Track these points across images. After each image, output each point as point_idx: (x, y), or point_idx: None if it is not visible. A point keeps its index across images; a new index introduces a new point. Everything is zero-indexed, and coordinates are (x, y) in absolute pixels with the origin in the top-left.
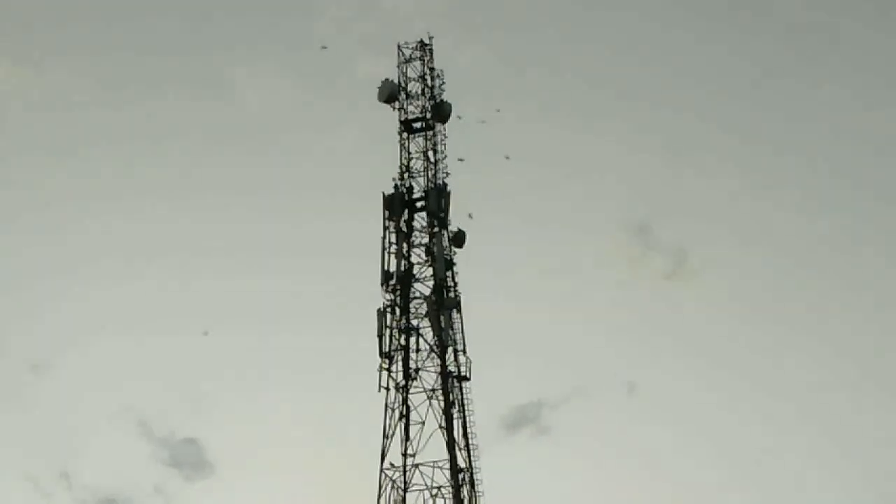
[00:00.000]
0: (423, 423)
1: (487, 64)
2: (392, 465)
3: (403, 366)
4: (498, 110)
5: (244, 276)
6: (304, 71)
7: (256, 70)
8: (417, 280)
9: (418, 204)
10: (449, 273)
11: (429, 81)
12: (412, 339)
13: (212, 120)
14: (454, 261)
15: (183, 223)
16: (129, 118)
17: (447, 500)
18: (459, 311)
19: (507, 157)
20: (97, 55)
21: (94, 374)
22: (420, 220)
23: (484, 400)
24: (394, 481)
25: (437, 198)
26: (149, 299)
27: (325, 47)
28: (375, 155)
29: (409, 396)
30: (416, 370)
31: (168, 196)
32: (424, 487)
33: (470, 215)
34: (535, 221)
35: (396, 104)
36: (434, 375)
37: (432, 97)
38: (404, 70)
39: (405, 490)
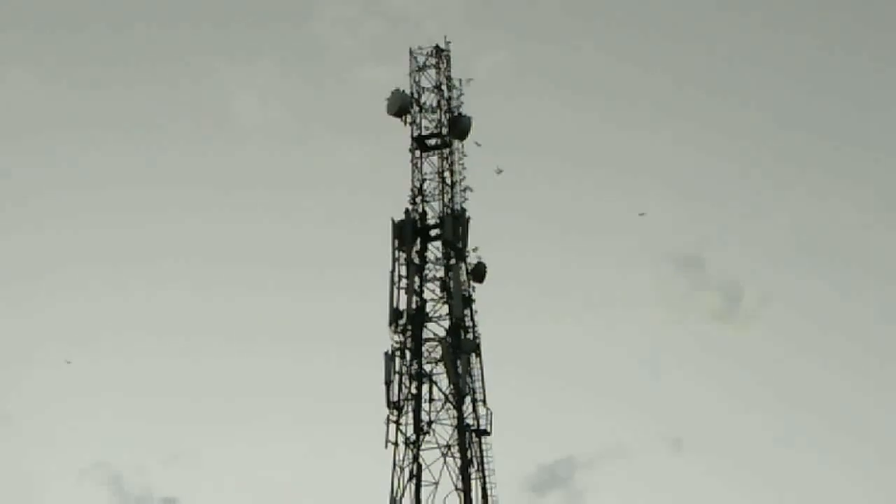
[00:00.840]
0: (437, 483)
1: (512, 71)
2: None
3: (414, 418)
4: (500, 171)
5: (234, 310)
6: (302, 77)
7: (249, 77)
8: (431, 319)
9: (432, 232)
10: (467, 311)
11: (445, 92)
12: (425, 388)
13: (202, 131)
14: (473, 297)
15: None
16: (117, 129)
17: None
18: (479, 355)
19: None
20: (83, 61)
21: (62, 425)
22: (434, 250)
23: (507, 458)
24: None
25: (454, 225)
26: (125, 344)
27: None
28: (384, 175)
29: (421, 453)
30: (429, 423)
31: (147, 217)
32: None
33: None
34: (566, 252)
35: (408, 118)
36: (450, 429)
37: (449, 110)
38: (417, 79)
39: None
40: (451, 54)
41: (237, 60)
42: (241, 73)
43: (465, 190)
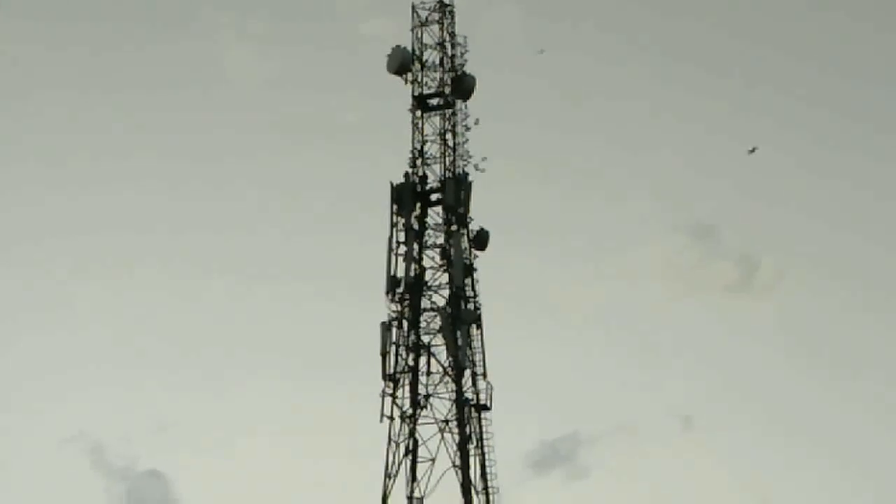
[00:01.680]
0: (434, 460)
1: (519, 27)
2: None
3: (411, 391)
4: (542, 51)
5: (224, 277)
6: (299, 32)
7: (244, 31)
8: (430, 288)
9: (433, 196)
10: (468, 280)
11: (449, 50)
12: (422, 360)
13: (194, 87)
14: (475, 266)
15: (155, 222)
16: (102, 87)
17: None
18: (480, 326)
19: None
20: (71, 16)
21: (42, 393)
22: (435, 216)
23: (507, 434)
24: None
25: (456, 189)
26: (110, 307)
27: None
28: (382, 135)
29: (418, 428)
30: (427, 397)
31: (137, 188)
32: None
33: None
34: (573, 221)
35: (409, 76)
36: (448, 403)
37: (452, 68)
38: (419, 35)
39: None
40: (456, 9)
41: (231, 14)
42: (236, 27)
43: (466, 162)
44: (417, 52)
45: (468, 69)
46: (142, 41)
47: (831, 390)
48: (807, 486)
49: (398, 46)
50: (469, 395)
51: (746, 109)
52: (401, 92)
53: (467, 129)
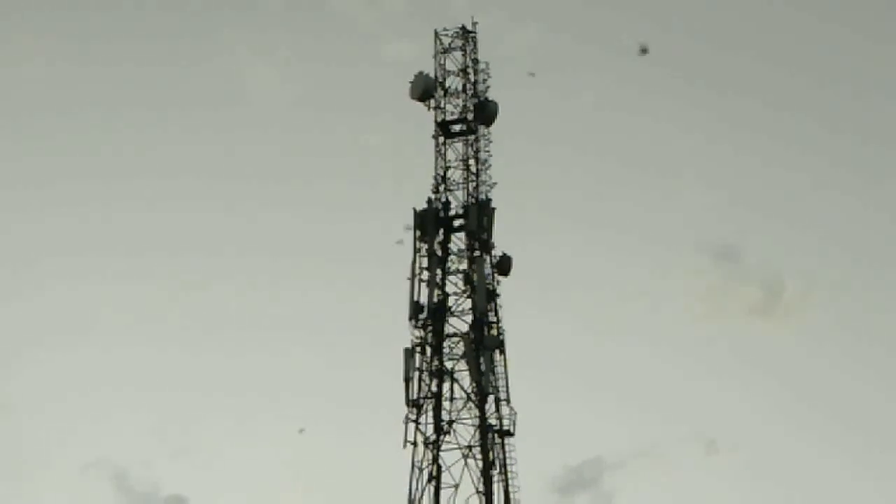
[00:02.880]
0: (457, 486)
1: (541, 51)
2: None
3: (434, 417)
4: (532, 74)
5: (246, 303)
6: (321, 55)
7: (262, 55)
8: (453, 314)
9: (456, 222)
10: (491, 306)
11: (471, 76)
12: (445, 385)
13: (212, 111)
14: (498, 291)
15: (170, 233)
16: (118, 105)
17: None
18: (503, 351)
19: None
20: (89, 35)
21: (64, 417)
22: (458, 241)
23: (531, 459)
24: None
25: (479, 215)
26: (132, 326)
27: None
28: (405, 162)
29: (441, 454)
30: (450, 422)
31: (149, 204)
32: None
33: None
34: (595, 244)
35: (432, 102)
36: (471, 429)
37: (475, 95)
38: (442, 61)
39: None
40: (479, 34)
41: (253, 36)
42: (258, 49)
43: (490, 185)
44: (440, 79)
45: (490, 95)
46: (160, 60)
47: (858, 415)
48: None
49: (421, 73)
50: (492, 420)
51: (769, 128)
52: (423, 116)
53: (489, 155)
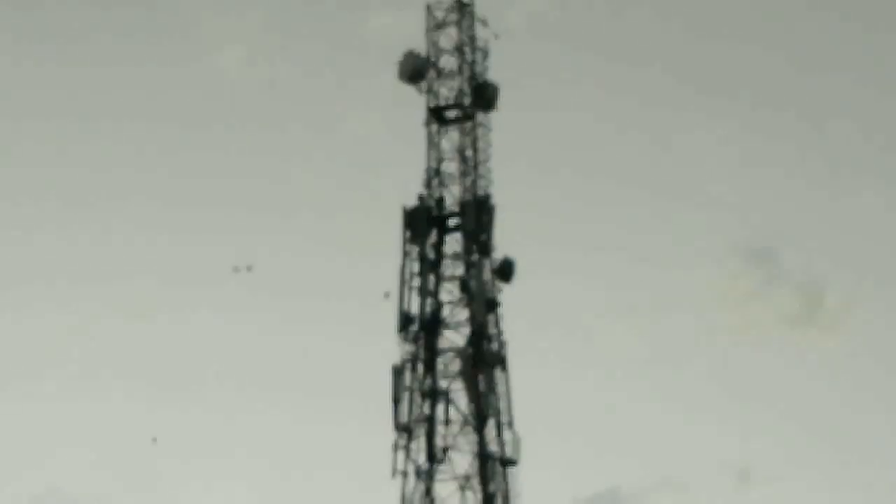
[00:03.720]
0: None
1: (549, 27)
2: None
3: (427, 443)
4: (497, 36)
5: (214, 315)
6: (296, 27)
7: (235, 26)
8: (448, 326)
9: (451, 222)
10: (491, 317)
11: (468, 55)
12: (440, 407)
13: (178, 89)
14: (498, 300)
15: (132, 240)
16: (74, 89)
17: None
18: (505, 369)
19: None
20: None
21: (12, 446)
22: (453, 244)
23: (537, 491)
24: None
25: (477, 214)
26: (85, 341)
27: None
28: (392, 152)
29: (435, 485)
30: (445, 450)
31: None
32: None
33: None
34: (611, 246)
35: (423, 85)
36: (469, 457)
37: (472, 76)
38: (435, 39)
39: None
40: (476, 7)
41: (222, 7)
42: (227, 21)
43: (490, 179)
44: (432, 58)
45: (490, 76)
46: (118, 37)
47: None
48: None
49: (411, 51)
50: (493, 447)
51: (807, 121)
52: (414, 100)
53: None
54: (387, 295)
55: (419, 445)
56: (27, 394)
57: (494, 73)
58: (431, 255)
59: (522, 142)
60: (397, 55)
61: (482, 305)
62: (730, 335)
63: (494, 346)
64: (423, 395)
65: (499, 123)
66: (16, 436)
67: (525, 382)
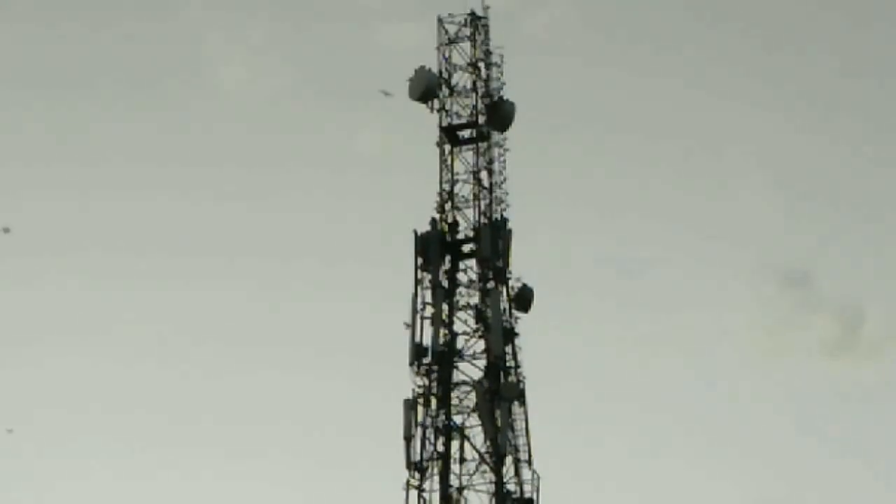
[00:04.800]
0: None
1: (567, 38)
2: None
3: (441, 483)
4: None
5: (208, 344)
6: (301, 39)
7: (236, 43)
8: (463, 358)
9: (465, 247)
10: (509, 348)
11: (482, 71)
12: (454, 444)
13: (177, 106)
14: (516, 330)
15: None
16: (79, 97)
17: None
18: (523, 403)
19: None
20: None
21: None
22: (468, 270)
23: None
24: None
25: (493, 239)
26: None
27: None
28: (402, 173)
29: None
30: (460, 489)
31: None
32: None
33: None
34: (636, 270)
35: (436, 103)
36: (486, 497)
37: (487, 94)
38: (447, 55)
39: None
40: (491, 19)
41: (222, 15)
42: (227, 31)
43: (506, 203)
44: (445, 75)
45: (506, 94)
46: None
47: None
48: None
49: (422, 68)
50: (511, 486)
51: (843, 136)
52: (427, 119)
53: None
54: (407, 326)
55: (432, 485)
56: None
57: (510, 89)
58: (445, 282)
59: (540, 162)
60: (408, 70)
61: (499, 336)
62: (763, 364)
63: (512, 378)
64: (437, 432)
65: (515, 143)
66: None
67: (545, 418)
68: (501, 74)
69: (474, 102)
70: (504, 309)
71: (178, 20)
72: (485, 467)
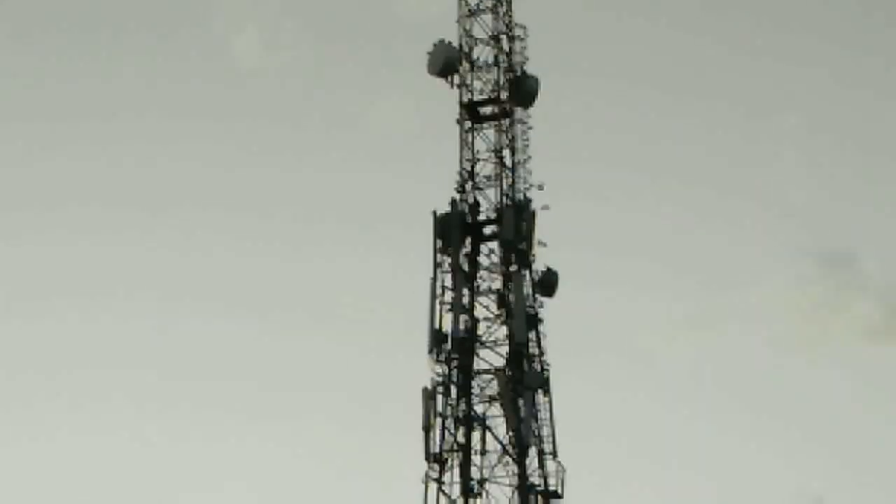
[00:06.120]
0: None
1: (595, 14)
2: None
3: (462, 475)
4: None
5: (236, 330)
6: (315, 13)
7: (248, 13)
8: (484, 345)
9: (487, 229)
10: (532, 335)
11: (505, 45)
12: (476, 435)
13: (194, 81)
14: (541, 316)
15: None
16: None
17: None
18: (547, 392)
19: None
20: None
21: None
22: (490, 253)
23: None
24: None
25: (516, 220)
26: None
27: None
28: (421, 152)
29: None
30: (481, 482)
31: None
32: None
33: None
34: (665, 251)
35: (456, 78)
36: (508, 490)
37: (510, 69)
38: (468, 27)
39: None
40: None
41: None
42: (243, 4)
43: (530, 183)
44: (466, 49)
45: (529, 68)
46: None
47: None
48: None
49: (441, 41)
50: (535, 479)
51: (883, 118)
52: (447, 95)
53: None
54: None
55: (452, 477)
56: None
57: (533, 63)
58: (465, 266)
59: (566, 139)
60: (427, 43)
61: (522, 322)
62: (804, 349)
63: (536, 366)
64: (457, 422)
65: (539, 120)
66: None
67: (570, 407)
68: (525, 48)
69: (496, 77)
70: (527, 294)
71: None
72: (507, 459)
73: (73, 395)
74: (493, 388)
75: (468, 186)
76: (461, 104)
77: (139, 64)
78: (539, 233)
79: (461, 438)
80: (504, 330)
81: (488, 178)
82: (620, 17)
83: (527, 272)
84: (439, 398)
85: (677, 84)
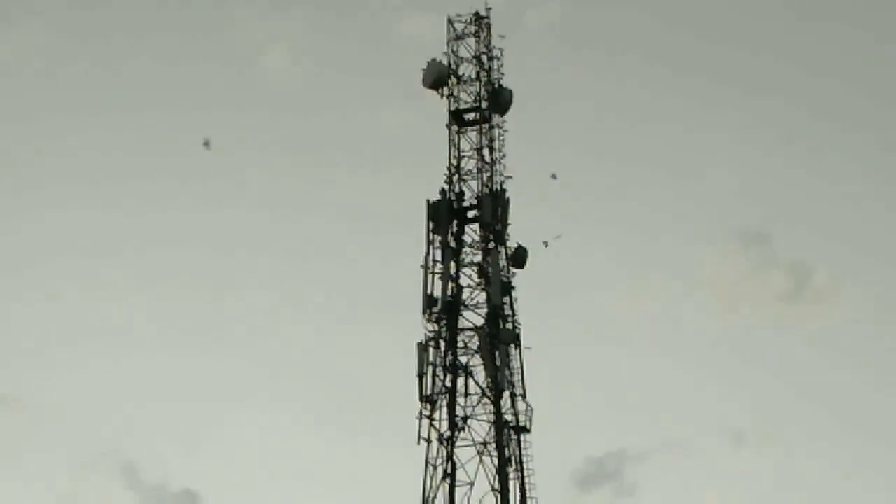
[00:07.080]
0: (472, 483)
1: (560, 33)
2: None
3: (448, 413)
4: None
5: (256, 292)
6: (336, 30)
7: (280, 28)
8: (468, 307)
9: (470, 213)
10: (506, 299)
11: (485, 63)
12: (460, 381)
13: (221, 87)
14: (513, 284)
15: (176, 219)
16: (120, 83)
17: None
18: (518, 346)
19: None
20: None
21: (72, 409)
22: (472, 233)
23: (549, 456)
24: None
25: (493, 206)
26: (143, 314)
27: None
28: (418, 151)
29: (456, 451)
30: (465, 419)
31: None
32: None
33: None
34: (616, 231)
35: (445, 90)
36: (486, 426)
37: (489, 82)
38: (455, 49)
39: None
40: (494, 14)
41: (267, 9)
42: (272, 22)
43: (505, 176)
44: (453, 66)
45: (505, 82)
46: (167, 40)
47: (892, 404)
48: None
49: (434, 60)
50: (508, 416)
51: (801, 107)
52: (438, 103)
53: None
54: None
55: (441, 415)
56: (91, 357)
57: (509, 77)
58: (452, 243)
59: (534, 140)
60: (422, 61)
61: (498, 289)
62: (727, 310)
63: (509, 325)
64: (445, 370)
65: (513, 124)
66: (75, 396)
67: (537, 358)
68: (501, 66)
69: (478, 90)
70: (503, 266)
71: (227, 15)
72: (486, 400)
73: None
74: (475, 342)
75: (455, 178)
76: (449, 111)
77: (174, 72)
78: (512, 215)
79: (448, 383)
80: (483, 295)
81: (471, 171)
82: (578, 46)
83: (502, 248)
84: (431, 350)
85: (624, 86)
